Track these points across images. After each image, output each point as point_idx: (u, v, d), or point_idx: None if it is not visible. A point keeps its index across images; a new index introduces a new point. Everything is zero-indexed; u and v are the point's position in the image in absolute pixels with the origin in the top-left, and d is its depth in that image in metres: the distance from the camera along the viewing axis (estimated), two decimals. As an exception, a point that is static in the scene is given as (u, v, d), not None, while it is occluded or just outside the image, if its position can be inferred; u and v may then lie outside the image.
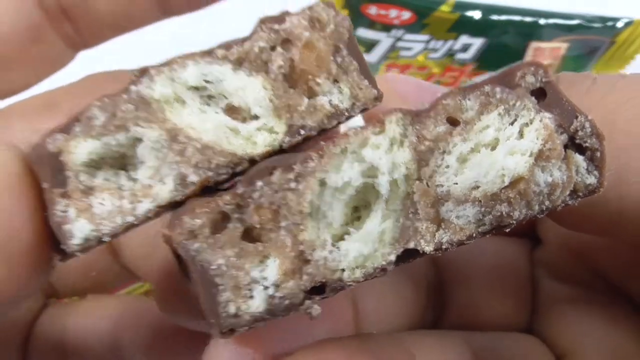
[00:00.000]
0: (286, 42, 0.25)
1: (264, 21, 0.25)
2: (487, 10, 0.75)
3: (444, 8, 0.75)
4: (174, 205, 0.24)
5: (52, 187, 0.23)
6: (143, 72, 0.24)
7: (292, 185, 0.23)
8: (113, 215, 0.24)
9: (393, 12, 0.77)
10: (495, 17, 0.75)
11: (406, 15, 0.76)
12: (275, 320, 0.26)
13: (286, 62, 0.25)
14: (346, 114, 0.25)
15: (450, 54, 0.76)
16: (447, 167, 0.24)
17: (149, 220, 0.24)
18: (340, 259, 0.24)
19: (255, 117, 0.25)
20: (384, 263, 0.24)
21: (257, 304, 0.23)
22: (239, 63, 0.25)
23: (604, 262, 0.37)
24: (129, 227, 0.24)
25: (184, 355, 0.45)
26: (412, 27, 0.77)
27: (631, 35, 0.75)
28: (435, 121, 0.24)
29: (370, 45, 0.79)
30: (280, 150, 0.25)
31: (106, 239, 0.23)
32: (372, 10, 0.75)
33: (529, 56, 0.76)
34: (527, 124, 0.23)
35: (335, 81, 0.25)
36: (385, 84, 0.34)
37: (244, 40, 0.25)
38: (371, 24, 0.78)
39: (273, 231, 0.23)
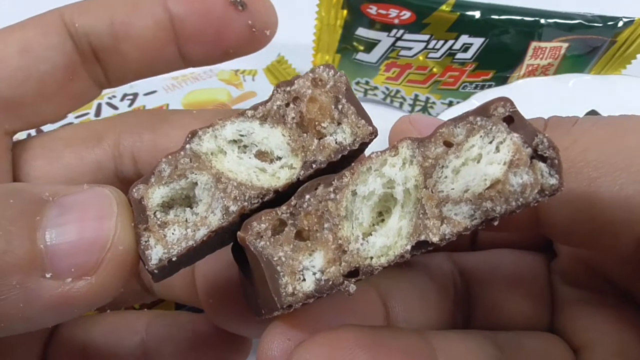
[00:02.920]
0: (296, 99, 0.34)
1: (279, 85, 0.34)
2: (487, 10, 0.75)
3: (444, 8, 0.76)
4: (222, 230, 0.32)
5: (138, 224, 0.32)
6: (193, 134, 0.33)
7: (332, 196, 0.32)
8: (180, 241, 0.32)
9: (393, 12, 0.77)
10: (495, 17, 0.75)
11: (406, 14, 0.76)
12: (320, 314, 0.36)
13: (297, 114, 0.33)
14: (349, 148, 0.33)
15: (450, 53, 0.77)
16: (446, 177, 0.32)
17: (203, 243, 0.32)
18: (369, 249, 0.31)
19: (279, 159, 0.34)
20: (402, 251, 0.31)
21: (308, 284, 0.31)
22: (264, 119, 0.34)
23: (610, 270, 0.42)
24: (190, 248, 0.32)
25: None
26: (412, 27, 0.77)
27: (632, 34, 0.75)
28: (435, 144, 0.32)
29: (370, 45, 0.79)
30: (297, 182, 0.33)
31: (174, 258, 0.32)
32: (372, 9, 0.75)
33: (529, 56, 0.75)
34: (501, 142, 0.31)
35: (339, 124, 0.34)
36: (409, 124, 0.44)
37: (266, 102, 0.34)
38: (371, 24, 0.78)
39: (318, 231, 0.32)
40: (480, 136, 0.31)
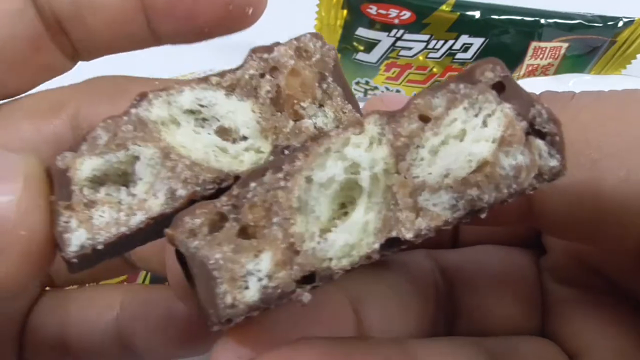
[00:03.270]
0: (274, 70, 0.28)
1: (255, 51, 0.28)
2: (487, 10, 0.75)
3: (444, 8, 0.75)
4: (163, 218, 0.27)
5: (58, 200, 0.26)
6: (142, 96, 0.27)
7: (282, 183, 0.26)
8: (109, 226, 0.26)
9: (393, 12, 0.77)
10: (495, 17, 0.75)
11: (406, 14, 0.76)
12: (278, 324, 0.30)
13: (273, 87, 0.28)
14: None
15: (450, 53, 0.76)
16: (422, 159, 0.26)
17: (139, 231, 0.27)
18: (328, 249, 0.26)
19: (244, 139, 0.28)
20: (368, 251, 0.26)
21: (251, 293, 0.25)
22: (231, 89, 0.28)
23: (605, 266, 0.37)
24: (122, 237, 0.26)
25: (200, 344, 0.45)
26: (412, 27, 0.77)
27: (632, 34, 0.75)
28: (409, 119, 0.27)
29: (370, 45, 0.79)
30: None
31: (100, 247, 0.26)
32: (372, 9, 0.75)
33: (529, 56, 0.75)
34: (489, 115, 0.25)
35: (321, 105, 0.28)
36: (381, 103, 0.38)
37: (236, 68, 0.28)
38: (371, 24, 0.78)
39: (266, 227, 0.26)
40: (464, 108, 0.26)
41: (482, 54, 0.75)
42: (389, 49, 0.78)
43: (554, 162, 0.24)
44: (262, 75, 0.28)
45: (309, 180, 0.26)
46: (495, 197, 0.25)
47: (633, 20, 0.74)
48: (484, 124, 0.25)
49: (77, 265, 0.27)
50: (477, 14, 0.74)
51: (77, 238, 0.26)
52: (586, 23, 0.74)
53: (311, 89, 0.28)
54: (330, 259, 0.26)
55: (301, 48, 0.28)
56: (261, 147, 0.28)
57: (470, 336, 0.36)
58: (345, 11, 0.76)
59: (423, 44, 0.76)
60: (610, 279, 0.37)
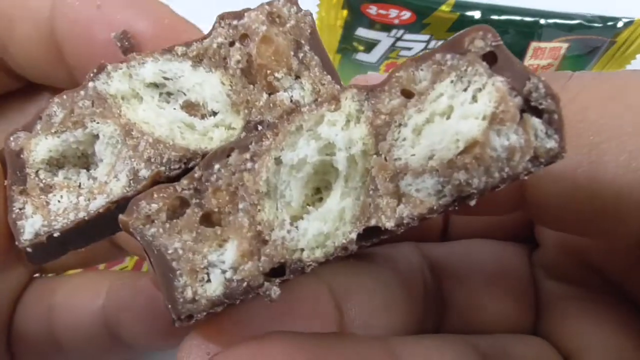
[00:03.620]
0: (244, 38, 0.25)
1: (223, 17, 0.26)
2: (487, 10, 0.74)
3: (444, 8, 0.75)
4: (126, 202, 0.24)
5: (12, 185, 0.24)
6: (100, 68, 0.25)
7: (248, 165, 0.23)
8: (67, 212, 0.24)
9: (393, 12, 0.76)
10: (495, 17, 0.74)
11: (406, 15, 0.76)
12: (253, 318, 0.27)
13: (244, 56, 0.25)
14: None
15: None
16: (404, 139, 0.24)
17: (99, 217, 0.24)
18: (299, 238, 0.23)
19: (213, 114, 0.25)
20: (344, 242, 0.23)
21: (214, 287, 0.23)
22: (198, 60, 0.25)
23: (601, 261, 0.36)
24: (80, 222, 0.24)
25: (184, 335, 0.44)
26: (412, 27, 0.76)
27: (631, 35, 0.74)
28: (390, 95, 0.24)
29: (370, 45, 0.79)
30: None
31: (56, 234, 0.24)
32: (372, 10, 0.74)
33: (529, 56, 0.75)
34: (480, 89, 0.23)
35: (297, 77, 0.25)
36: (365, 82, 0.35)
37: (203, 37, 0.25)
38: (371, 24, 0.77)
39: (231, 214, 0.23)
40: (451, 81, 0.23)
41: (482, 54, 0.75)
42: (389, 49, 0.77)
43: (551, 143, 0.21)
44: (232, 44, 0.25)
45: (278, 161, 0.23)
46: (486, 182, 0.22)
47: (633, 21, 0.73)
48: (474, 99, 0.22)
49: (34, 255, 0.24)
50: (477, 14, 0.73)
51: (31, 225, 0.24)
52: (586, 23, 0.73)
53: (286, 58, 0.25)
54: (302, 250, 0.23)
55: (274, 13, 0.25)
56: (232, 122, 0.25)
57: (459, 334, 0.35)
58: (345, 11, 0.75)
59: (423, 44, 0.76)
60: (606, 276, 0.35)
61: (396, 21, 0.77)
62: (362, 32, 0.79)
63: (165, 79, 0.25)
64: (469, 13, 0.75)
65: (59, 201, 0.24)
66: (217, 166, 0.23)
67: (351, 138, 0.24)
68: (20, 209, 0.24)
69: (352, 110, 0.24)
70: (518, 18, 0.75)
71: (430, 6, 0.76)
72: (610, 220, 0.27)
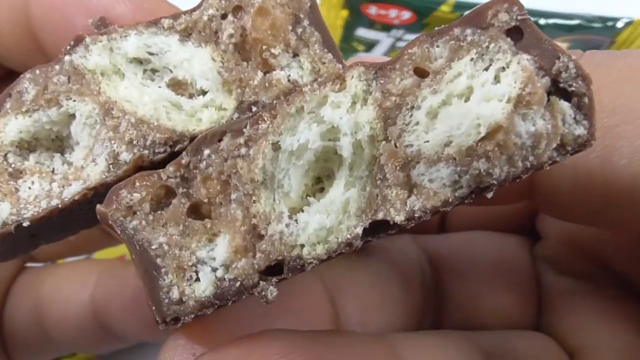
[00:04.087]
0: (237, 10, 0.23)
1: None
2: (487, 10, 0.75)
3: (444, 8, 0.75)
4: (105, 189, 0.21)
5: None
6: (78, 40, 0.22)
7: (243, 151, 0.21)
8: (39, 200, 0.22)
9: (393, 12, 0.76)
10: (494, 17, 0.74)
11: (406, 15, 0.76)
12: (242, 316, 0.24)
13: (237, 30, 0.22)
14: None
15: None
16: (417, 124, 0.21)
17: (74, 204, 0.22)
18: (299, 233, 0.21)
19: (204, 93, 0.23)
20: (349, 237, 0.21)
21: (203, 287, 0.20)
22: (187, 34, 0.23)
23: (607, 253, 0.34)
24: (53, 210, 0.21)
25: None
26: (412, 27, 0.76)
27: (631, 35, 0.74)
28: (401, 73, 0.21)
29: (370, 45, 0.78)
30: None
31: (26, 223, 0.21)
32: (372, 10, 0.75)
33: (528, 56, 0.75)
34: (503, 68, 0.20)
35: (295, 55, 0.23)
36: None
37: (194, 9, 0.23)
38: (371, 24, 0.77)
39: (222, 205, 0.21)
40: (472, 59, 0.21)
41: (482, 54, 0.75)
42: (389, 49, 0.77)
43: (580, 130, 0.20)
44: (224, 16, 0.23)
45: (276, 147, 0.21)
46: (507, 172, 0.20)
47: (632, 21, 0.73)
48: (496, 79, 0.20)
49: (3, 247, 0.22)
50: (476, 15, 0.74)
51: None
52: (586, 24, 0.73)
53: (283, 33, 0.23)
54: (302, 246, 0.21)
55: None
56: (223, 103, 0.23)
57: (459, 329, 0.33)
58: (345, 11, 0.76)
59: (423, 44, 0.76)
60: (612, 269, 0.34)
61: (396, 21, 0.77)
62: (362, 32, 0.79)
63: (150, 54, 0.22)
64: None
65: (29, 188, 0.21)
66: (207, 152, 0.21)
67: (357, 122, 0.21)
68: None
69: (358, 91, 0.21)
70: (518, 18, 0.75)
71: (430, 6, 0.76)
72: (624, 209, 0.25)
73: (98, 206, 0.20)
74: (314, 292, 0.30)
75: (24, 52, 0.33)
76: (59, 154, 0.22)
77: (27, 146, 0.22)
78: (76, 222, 0.24)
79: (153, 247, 0.20)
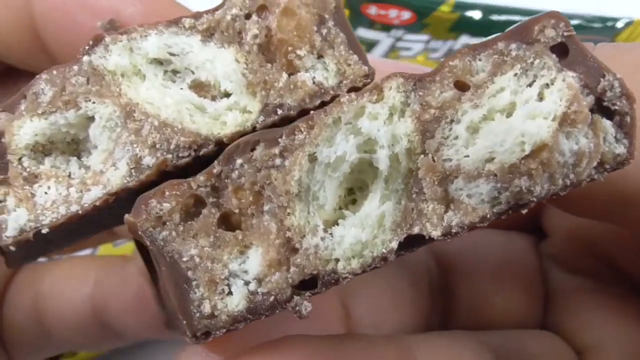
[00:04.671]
0: (262, 9, 0.22)
1: None
2: (487, 10, 0.74)
3: (444, 8, 0.74)
4: (127, 193, 0.21)
5: None
6: (97, 40, 0.21)
7: (277, 161, 0.20)
8: (57, 205, 0.21)
9: (393, 12, 0.76)
10: (495, 17, 0.74)
11: (406, 15, 0.76)
12: (253, 325, 0.23)
13: (262, 31, 0.22)
14: (332, 92, 0.22)
15: (451, 54, 0.76)
16: (456, 137, 0.21)
17: (95, 209, 0.21)
18: (334, 247, 0.20)
19: (227, 95, 0.22)
20: (384, 251, 0.20)
21: (236, 301, 0.20)
22: (209, 34, 0.22)
23: (615, 251, 0.34)
24: (73, 217, 0.21)
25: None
26: (412, 27, 0.76)
27: (631, 35, 0.74)
28: (442, 86, 0.21)
29: (370, 45, 0.78)
30: (253, 132, 0.22)
31: (45, 230, 0.20)
32: (372, 10, 0.74)
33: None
34: (547, 85, 0.20)
35: (320, 56, 0.22)
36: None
37: (216, 8, 0.22)
38: (371, 24, 0.77)
39: (255, 216, 0.20)
40: (515, 74, 0.20)
41: (482, 54, 0.75)
42: (389, 49, 0.77)
43: (620, 149, 0.20)
44: (248, 16, 0.22)
45: (312, 158, 0.20)
46: (547, 190, 0.20)
47: (632, 21, 0.73)
48: (540, 96, 0.20)
49: (16, 255, 0.21)
50: (477, 15, 0.73)
51: (15, 220, 0.21)
52: (586, 24, 0.73)
53: (308, 33, 0.22)
54: (337, 260, 0.21)
55: None
56: (248, 105, 0.22)
57: (467, 328, 0.33)
58: (345, 11, 0.76)
59: (423, 44, 0.76)
60: (620, 267, 0.34)
61: (396, 21, 0.77)
62: (362, 32, 0.78)
63: (171, 54, 0.22)
64: (469, 13, 0.75)
65: (45, 193, 0.21)
66: (239, 161, 0.20)
67: (395, 134, 0.21)
68: (1, 202, 0.20)
69: (396, 102, 0.21)
70: (518, 18, 0.74)
71: (430, 6, 0.76)
72: (638, 204, 0.25)
73: (127, 216, 0.20)
74: (326, 296, 0.29)
75: (26, 50, 0.32)
76: (75, 158, 0.22)
77: (42, 149, 0.21)
78: (91, 227, 0.23)
79: (184, 259, 0.20)
